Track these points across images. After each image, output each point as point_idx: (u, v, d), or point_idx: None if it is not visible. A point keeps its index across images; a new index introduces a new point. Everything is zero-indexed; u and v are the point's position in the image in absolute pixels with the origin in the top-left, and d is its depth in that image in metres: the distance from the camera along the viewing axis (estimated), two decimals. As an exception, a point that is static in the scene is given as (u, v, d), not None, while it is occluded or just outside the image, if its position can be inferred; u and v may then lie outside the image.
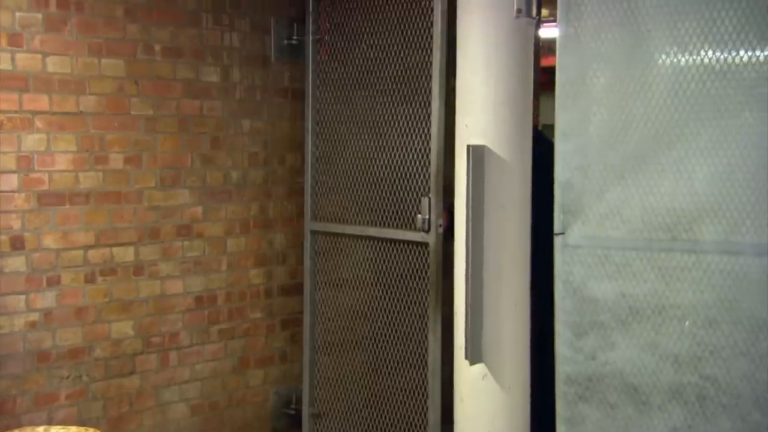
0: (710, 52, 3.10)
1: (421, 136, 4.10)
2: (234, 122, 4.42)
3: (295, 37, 4.52)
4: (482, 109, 3.55)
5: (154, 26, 4.01)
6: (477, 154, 3.44)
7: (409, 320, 4.00)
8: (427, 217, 3.77)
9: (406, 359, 4.01)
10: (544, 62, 3.84)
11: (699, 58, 3.12)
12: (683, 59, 3.15)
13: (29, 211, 3.64)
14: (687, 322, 3.11)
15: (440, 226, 3.73)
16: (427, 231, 3.75)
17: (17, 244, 3.61)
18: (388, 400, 4.11)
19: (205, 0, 4.20)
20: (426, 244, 3.80)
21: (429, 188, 3.84)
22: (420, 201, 3.85)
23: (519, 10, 3.46)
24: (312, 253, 4.62)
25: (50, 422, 3.66)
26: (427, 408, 3.82)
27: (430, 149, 3.98)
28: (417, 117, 4.09)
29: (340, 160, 4.46)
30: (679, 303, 3.12)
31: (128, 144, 3.95)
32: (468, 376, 3.50)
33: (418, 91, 4.12)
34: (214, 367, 4.37)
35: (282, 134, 4.61)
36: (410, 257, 3.98)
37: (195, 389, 4.35)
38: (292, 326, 4.62)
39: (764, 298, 3.00)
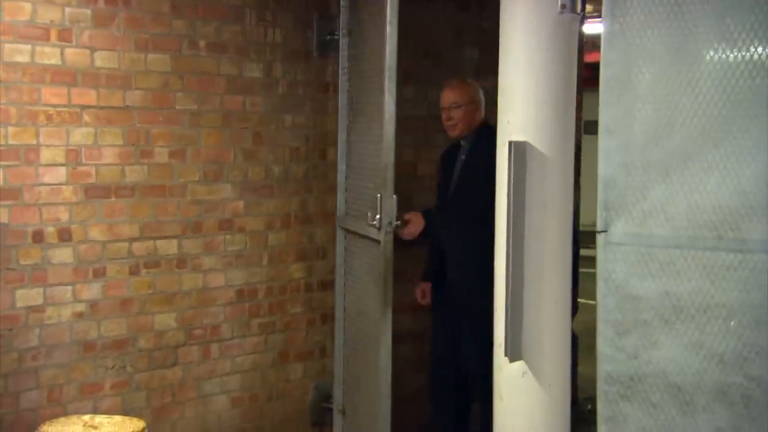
0: (759, 48, 3.06)
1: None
2: (276, 117, 4.44)
3: (337, 32, 4.52)
4: (524, 106, 3.52)
5: (199, 22, 4.04)
6: (519, 150, 3.41)
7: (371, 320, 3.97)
8: (378, 215, 3.64)
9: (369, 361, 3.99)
10: (588, 58, 3.81)
11: (748, 54, 3.09)
12: (731, 55, 3.12)
13: (76, 203, 3.68)
14: (733, 322, 3.07)
15: (390, 224, 3.60)
16: (379, 229, 3.64)
17: (65, 235, 3.66)
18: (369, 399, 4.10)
19: None
20: (379, 242, 3.68)
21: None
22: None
23: (563, 6, 3.42)
24: (342, 250, 4.61)
25: (95, 411, 3.70)
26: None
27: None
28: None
29: (356, 155, 4.45)
30: (725, 302, 3.08)
31: (173, 138, 3.98)
32: (508, 374, 3.49)
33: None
34: (255, 360, 4.39)
35: (323, 129, 4.62)
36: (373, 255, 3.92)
37: (236, 382, 4.37)
38: (332, 321, 4.62)
39: None
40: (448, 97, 3.96)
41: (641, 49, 3.19)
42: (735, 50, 3.08)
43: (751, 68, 3.04)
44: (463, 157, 3.99)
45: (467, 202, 3.85)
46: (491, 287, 3.28)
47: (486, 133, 3.70)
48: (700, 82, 3.13)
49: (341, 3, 4.48)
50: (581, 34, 3.61)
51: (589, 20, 3.92)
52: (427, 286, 4.31)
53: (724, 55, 3.11)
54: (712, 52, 3.13)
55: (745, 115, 3.06)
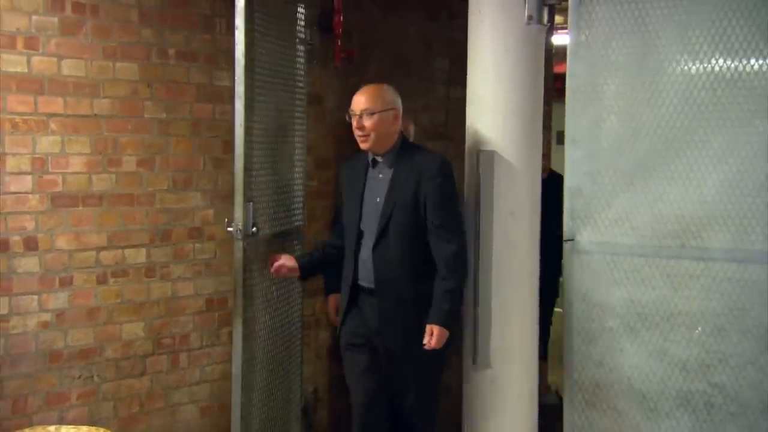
0: (721, 61, 3.11)
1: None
2: None
3: (309, 42, 4.42)
4: (492, 115, 3.55)
5: (168, 31, 4.01)
6: (487, 159, 3.47)
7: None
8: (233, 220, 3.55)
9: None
10: (559, 69, 3.84)
11: (709, 66, 3.13)
12: (693, 67, 3.16)
13: (43, 212, 3.64)
14: (698, 330, 3.11)
15: (242, 232, 3.48)
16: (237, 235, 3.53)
17: (31, 244, 3.61)
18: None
19: (219, 5, 4.17)
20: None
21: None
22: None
23: (530, 17, 3.47)
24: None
25: (61, 422, 3.65)
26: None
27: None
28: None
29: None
30: (688, 310, 3.12)
31: (141, 147, 3.95)
32: (476, 382, 3.52)
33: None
34: (224, 370, 4.28)
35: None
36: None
37: (205, 391, 4.32)
38: (304, 329, 4.53)
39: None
40: (359, 102, 3.33)
41: (606, 61, 3.23)
42: (697, 62, 3.12)
43: (713, 80, 3.09)
44: (380, 175, 3.39)
45: (404, 230, 3.31)
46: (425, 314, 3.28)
47: (410, 152, 3.38)
48: (663, 94, 3.18)
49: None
50: (550, 45, 3.65)
51: (558, 31, 3.93)
52: (337, 300, 3.83)
53: (686, 67, 3.15)
54: (674, 64, 3.16)
55: (707, 126, 3.10)
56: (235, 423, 3.56)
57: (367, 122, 3.25)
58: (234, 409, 3.55)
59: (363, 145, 3.31)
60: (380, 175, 3.33)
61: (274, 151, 3.89)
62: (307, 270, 3.68)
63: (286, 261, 3.60)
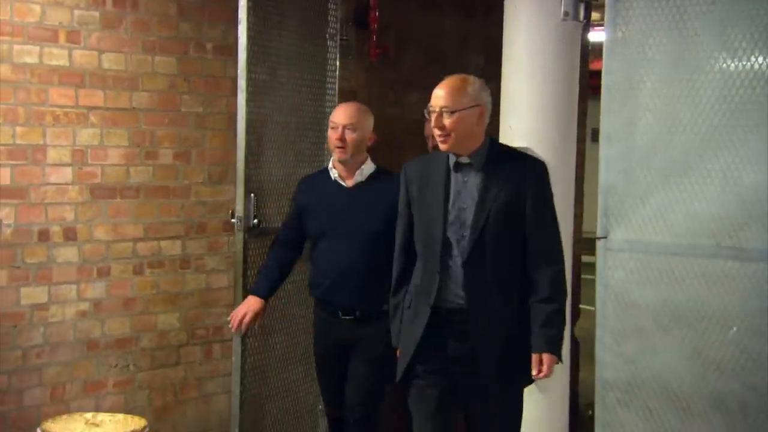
0: (761, 59, 3.07)
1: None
2: None
3: (346, 35, 4.41)
4: (526, 112, 3.56)
5: (206, 25, 4.03)
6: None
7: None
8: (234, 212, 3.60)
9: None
10: (595, 66, 3.81)
11: (749, 64, 3.09)
12: (732, 65, 3.12)
13: (82, 203, 3.68)
14: (733, 330, 3.08)
15: (241, 222, 3.49)
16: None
17: (70, 235, 3.66)
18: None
19: None
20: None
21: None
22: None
23: (566, 13, 3.46)
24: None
25: (98, 409, 3.69)
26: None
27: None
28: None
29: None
30: (723, 310, 3.08)
31: (178, 140, 3.98)
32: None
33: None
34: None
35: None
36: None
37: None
38: None
39: None
40: (438, 97, 2.84)
41: (643, 58, 3.19)
42: (736, 60, 3.08)
43: (752, 78, 3.05)
44: (466, 180, 2.83)
45: (500, 243, 2.84)
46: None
47: (502, 153, 2.93)
48: (701, 92, 3.13)
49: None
50: (586, 42, 3.62)
51: (595, 28, 3.90)
52: (258, 304, 3.41)
53: (725, 65, 3.11)
54: (713, 62, 3.12)
55: (746, 124, 3.06)
56: (234, 413, 3.66)
57: (447, 121, 2.75)
58: (234, 399, 3.66)
59: (443, 147, 2.82)
60: (466, 180, 2.78)
61: (292, 144, 3.89)
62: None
63: (251, 312, 3.37)
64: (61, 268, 3.66)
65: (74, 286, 3.72)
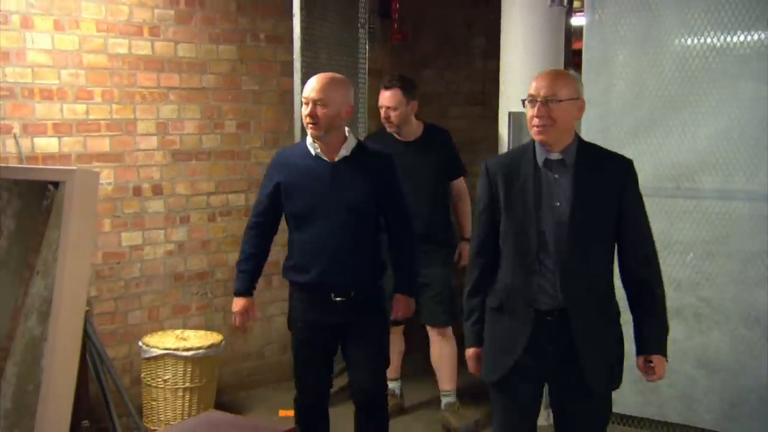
0: (712, 33, 3.08)
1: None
2: None
3: (373, 25, 4.40)
4: (520, 82, 3.43)
5: (260, 19, 4.00)
6: (517, 119, 3.44)
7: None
8: None
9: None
10: (577, 46, 3.82)
11: (703, 38, 3.11)
12: (689, 40, 3.14)
13: (165, 165, 3.73)
14: (690, 255, 3.15)
15: None
16: None
17: (157, 190, 3.72)
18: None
19: None
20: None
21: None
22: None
23: (553, 1, 3.41)
24: None
25: (185, 327, 3.78)
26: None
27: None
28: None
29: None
30: (682, 240, 3.14)
31: (239, 113, 3.97)
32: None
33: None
34: None
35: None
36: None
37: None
38: None
39: (752, 235, 3.02)
40: (546, 85, 2.13)
41: (616, 36, 3.21)
42: (692, 36, 3.10)
43: (705, 50, 3.09)
44: (557, 176, 2.17)
45: (596, 243, 2.21)
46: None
47: (591, 150, 2.25)
48: (663, 62, 3.17)
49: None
50: (569, 25, 3.60)
51: (576, 13, 3.89)
52: (248, 303, 2.81)
53: (683, 40, 3.13)
54: (673, 37, 3.14)
55: (700, 89, 3.10)
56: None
57: (552, 110, 2.09)
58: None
59: (540, 137, 2.13)
60: (557, 177, 2.16)
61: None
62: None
63: (246, 312, 2.79)
64: (152, 217, 3.71)
65: (162, 231, 3.77)
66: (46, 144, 3.36)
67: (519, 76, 3.51)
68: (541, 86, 2.12)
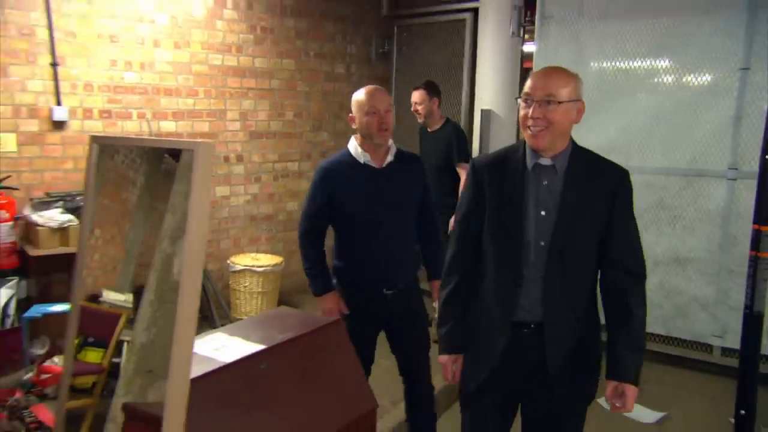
0: (620, 59, 3.30)
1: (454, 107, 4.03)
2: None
3: (386, 47, 4.59)
4: (490, 89, 3.74)
5: (310, 41, 4.12)
6: (486, 114, 3.70)
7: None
8: None
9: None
10: (527, 65, 3.98)
11: (614, 63, 3.32)
12: (604, 63, 3.34)
13: (245, 141, 3.85)
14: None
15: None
16: None
17: (239, 159, 3.85)
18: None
19: (338, 25, 4.27)
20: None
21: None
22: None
23: (513, 33, 3.65)
24: None
25: (257, 252, 3.95)
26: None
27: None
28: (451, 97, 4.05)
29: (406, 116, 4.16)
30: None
31: (295, 107, 4.09)
32: None
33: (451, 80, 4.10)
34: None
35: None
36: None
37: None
38: None
39: (643, 196, 3.18)
40: (543, 85, 1.48)
41: (555, 59, 3.39)
42: (607, 61, 3.33)
43: (615, 71, 3.32)
44: (545, 182, 1.53)
45: (581, 254, 1.55)
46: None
47: (583, 156, 1.56)
48: (587, 80, 3.16)
49: (393, 31, 4.50)
50: (522, 51, 3.72)
51: (527, 42, 4.10)
52: (337, 296, 2.14)
53: (600, 64, 3.35)
54: (593, 62, 3.37)
55: (610, 98, 3.33)
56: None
57: (551, 112, 1.45)
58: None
59: (534, 142, 1.48)
60: (545, 183, 1.52)
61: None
62: None
63: (337, 303, 2.13)
64: (236, 177, 3.84)
65: (242, 186, 3.88)
66: (167, 126, 3.50)
67: (489, 84, 3.74)
68: (539, 85, 1.44)
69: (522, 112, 1.45)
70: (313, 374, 1.62)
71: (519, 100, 1.47)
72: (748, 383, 1.57)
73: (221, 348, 1.59)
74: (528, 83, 1.45)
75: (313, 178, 2.07)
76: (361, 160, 2.07)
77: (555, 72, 1.44)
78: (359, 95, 2.06)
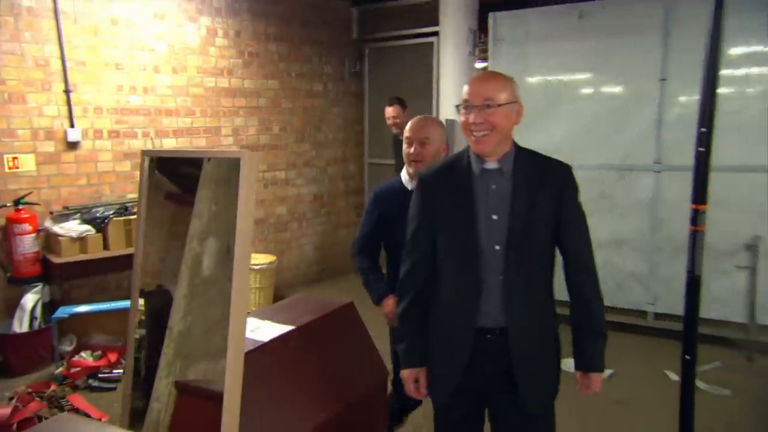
0: (561, 73, 3.50)
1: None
2: (328, 110, 4.44)
3: (357, 67, 4.68)
4: (451, 102, 3.84)
5: (292, 63, 4.19)
6: (450, 123, 3.75)
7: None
8: None
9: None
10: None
11: (555, 76, 3.52)
12: (548, 77, 3.54)
13: None
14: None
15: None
16: None
17: None
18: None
19: (315, 48, 4.33)
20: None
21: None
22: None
23: (470, 52, 3.80)
24: (367, 175, 4.75)
25: (253, 252, 3.89)
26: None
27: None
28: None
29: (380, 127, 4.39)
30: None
31: (280, 122, 4.14)
32: None
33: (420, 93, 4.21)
34: (323, 229, 4.53)
35: (352, 115, 4.67)
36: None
37: (316, 239, 4.49)
38: (360, 208, 4.73)
39: (584, 190, 3.16)
40: (481, 90, 1.42)
41: (507, 73, 3.55)
42: (550, 75, 3.53)
43: (558, 83, 3.52)
44: (493, 186, 1.45)
45: (535, 256, 1.46)
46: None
47: (527, 157, 1.50)
48: (534, 91, 3.57)
49: (365, 53, 4.58)
50: (477, 68, 3.87)
51: (480, 61, 4.25)
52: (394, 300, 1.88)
53: (545, 78, 3.56)
54: (539, 77, 3.57)
55: (554, 105, 3.53)
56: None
57: (491, 115, 1.38)
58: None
59: (479, 147, 1.40)
60: (494, 187, 1.42)
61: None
62: None
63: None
64: None
65: None
66: (168, 142, 3.52)
67: (450, 94, 3.86)
68: (476, 91, 1.36)
69: (463, 119, 1.37)
70: (332, 349, 1.75)
71: (460, 108, 1.36)
72: (691, 332, 1.70)
73: (256, 329, 1.71)
74: (466, 90, 1.36)
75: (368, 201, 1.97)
76: (409, 187, 1.89)
77: (491, 77, 1.38)
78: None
